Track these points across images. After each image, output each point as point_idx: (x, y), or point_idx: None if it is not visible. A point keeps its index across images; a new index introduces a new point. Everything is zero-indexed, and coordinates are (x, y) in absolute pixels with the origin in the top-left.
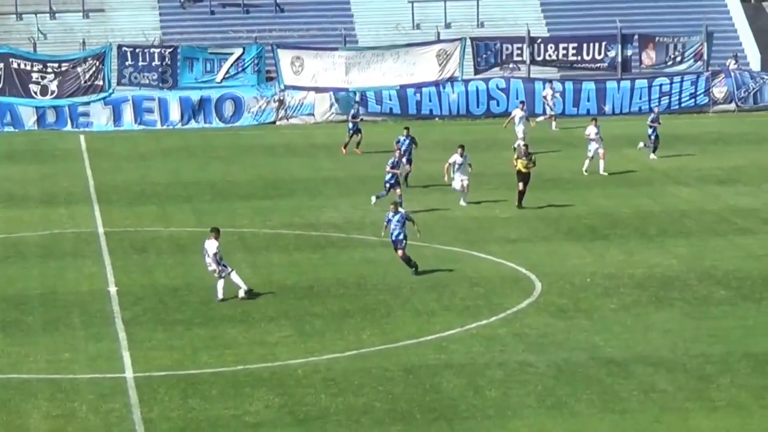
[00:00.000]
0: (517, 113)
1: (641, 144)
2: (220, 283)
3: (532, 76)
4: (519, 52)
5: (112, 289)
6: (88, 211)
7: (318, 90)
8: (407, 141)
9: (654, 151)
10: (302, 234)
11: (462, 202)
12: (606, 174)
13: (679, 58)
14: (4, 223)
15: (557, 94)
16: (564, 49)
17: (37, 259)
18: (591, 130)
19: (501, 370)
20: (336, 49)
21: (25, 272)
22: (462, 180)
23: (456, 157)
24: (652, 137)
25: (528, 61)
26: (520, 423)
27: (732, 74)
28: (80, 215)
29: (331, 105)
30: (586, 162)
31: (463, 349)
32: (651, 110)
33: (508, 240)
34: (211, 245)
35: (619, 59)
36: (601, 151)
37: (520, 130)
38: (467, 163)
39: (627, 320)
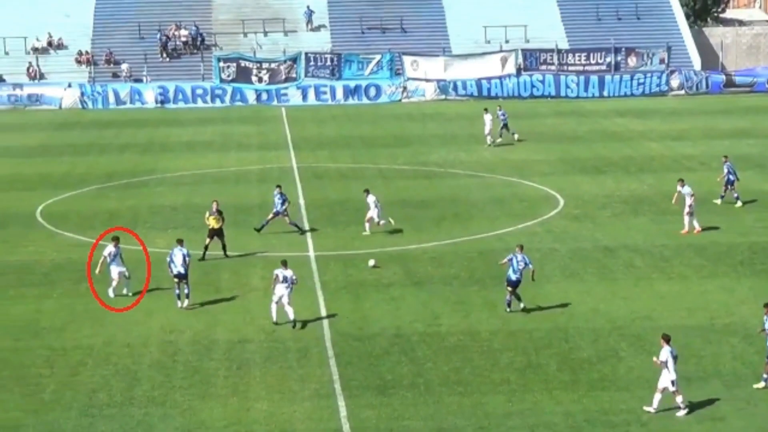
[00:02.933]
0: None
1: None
2: None
3: (558, 73)
4: (550, 58)
5: (302, 201)
6: (286, 154)
7: (427, 80)
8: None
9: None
10: (417, 169)
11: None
12: None
13: (649, 62)
14: (237, 161)
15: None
16: (579, 56)
17: (256, 182)
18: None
19: (538, 253)
20: (438, 55)
21: (248, 190)
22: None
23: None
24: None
25: (556, 64)
26: (549, 287)
27: (682, 71)
28: (282, 156)
29: (435, 90)
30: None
31: (514, 240)
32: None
33: (543, 173)
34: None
35: (613, 62)
36: None
37: (487, 127)
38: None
39: (616, 223)
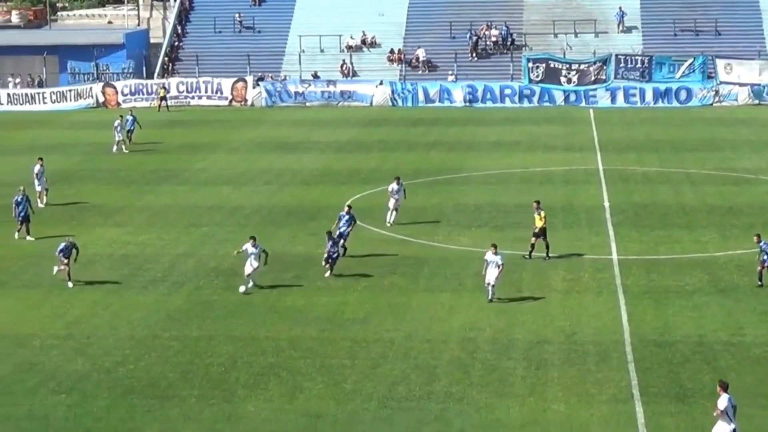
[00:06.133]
0: None
1: None
2: None
3: None
4: None
5: (606, 203)
6: (592, 156)
7: (741, 84)
8: None
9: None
10: (726, 174)
11: None
12: None
13: None
14: (543, 162)
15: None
16: None
17: (561, 183)
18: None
19: None
20: (753, 58)
21: (553, 191)
22: None
23: None
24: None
25: None
26: None
27: None
28: (588, 159)
29: (748, 94)
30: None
31: None
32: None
33: None
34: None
35: None
36: None
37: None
38: None
39: None
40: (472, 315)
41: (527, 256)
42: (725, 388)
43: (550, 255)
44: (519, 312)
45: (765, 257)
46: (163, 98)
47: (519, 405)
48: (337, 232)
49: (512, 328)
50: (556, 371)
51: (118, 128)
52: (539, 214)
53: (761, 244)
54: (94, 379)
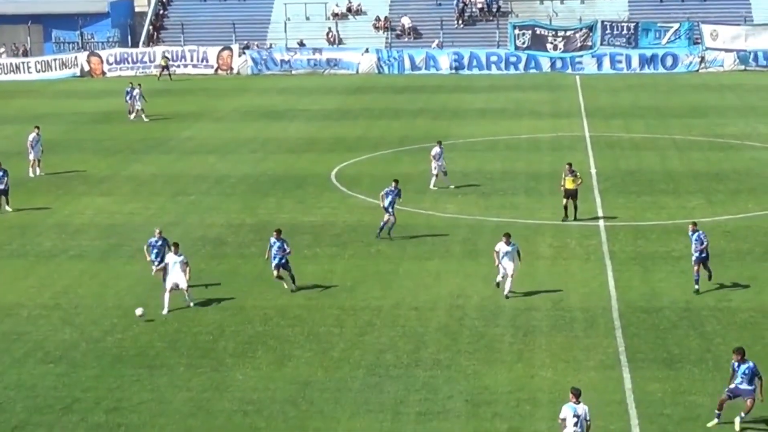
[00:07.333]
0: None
1: None
2: None
3: None
4: None
5: (593, 170)
6: (579, 123)
7: (727, 50)
8: None
9: None
10: (713, 140)
11: None
12: None
13: None
14: (529, 128)
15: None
16: None
17: (548, 150)
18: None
19: None
20: (739, 24)
21: (539, 158)
22: None
23: None
24: None
25: None
26: None
27: None
28: (574, 125)
29: (734, 60)
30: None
31: None
32: None
33: None
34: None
35: None
36: None
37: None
38: None
39: None
40: (459, 282)
41: (568, 219)
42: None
43: (577, 218)
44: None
45: (698, 247)
46: (165, 67)
47: (507, 371)
48: (387, 201)
49: (499, 295)
50: (544, 338)
51: (137, 97)
52: (573, 176)
53: (696, 234)
54: (82, 349)
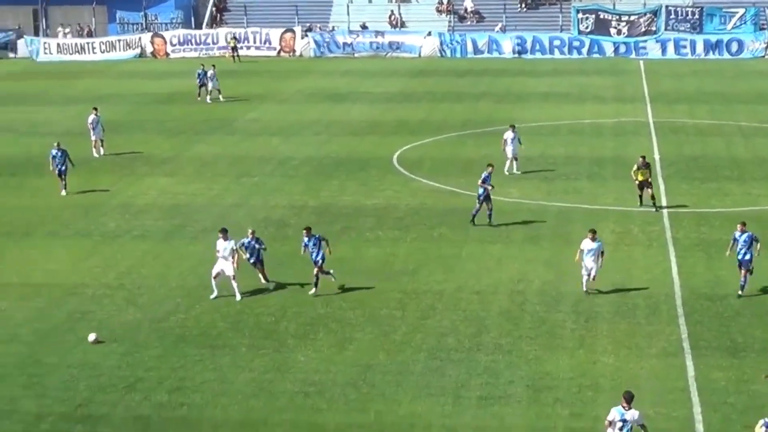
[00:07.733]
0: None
1: None
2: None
3: None
4: None
5: (656, 156)
6: (642, 108)
7: None
8: None
9: None
10: None
11: None
12: None
13: None
14: (593, 113)
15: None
16: None
17: (610, 135)
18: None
19: None
20: None
21: (603, 143)
22: None
23: None
24: None
25: None
26: None
27: None
28: (638, 110)
29: None
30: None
31: None
32: None
33: None
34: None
35: None
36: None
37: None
38: None
39: None
40: (520, 267)
41: (655, 208)
42: None
43: (657, 207)
44: (567, 264)
45: (744, 249)
46: (234, 48)
47: (568, 357)
48: (480, 190)
49: (562, 280)
50: (606, 324)
51: (212, 77)
52: (646, 169)
53: (745, 235)
54: (146, 329)
